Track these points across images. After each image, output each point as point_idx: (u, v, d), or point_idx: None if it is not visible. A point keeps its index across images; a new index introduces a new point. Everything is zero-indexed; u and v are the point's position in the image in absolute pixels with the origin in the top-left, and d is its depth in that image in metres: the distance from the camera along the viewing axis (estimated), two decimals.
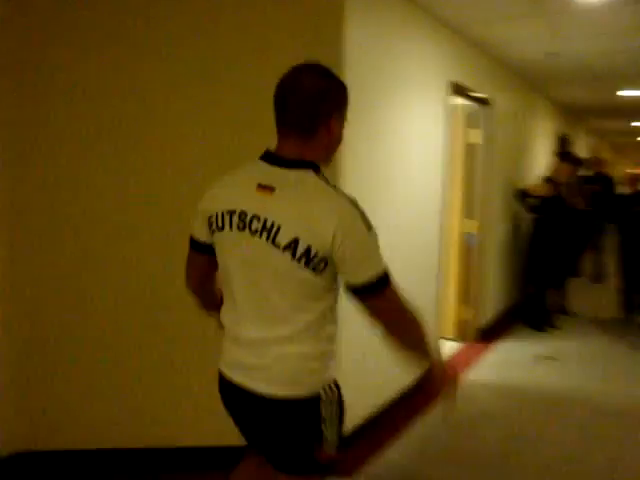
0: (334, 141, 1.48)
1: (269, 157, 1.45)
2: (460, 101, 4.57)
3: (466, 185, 4.84)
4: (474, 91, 4.49)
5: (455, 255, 4.90)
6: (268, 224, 1.37)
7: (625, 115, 9.37)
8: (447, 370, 1.59)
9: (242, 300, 1.47)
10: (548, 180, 5.36)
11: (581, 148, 10.97)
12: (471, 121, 4.79)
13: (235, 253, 1.46)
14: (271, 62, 2.24)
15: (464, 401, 3.81)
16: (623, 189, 6.84)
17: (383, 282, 1.39)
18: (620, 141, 15.81)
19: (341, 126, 1.47)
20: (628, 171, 6.23)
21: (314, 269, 1.37)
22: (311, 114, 1.39)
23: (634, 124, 10.93)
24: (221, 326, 1.60)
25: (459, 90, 4.20)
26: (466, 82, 4.31)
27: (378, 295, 1.40)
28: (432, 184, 3.95)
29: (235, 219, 1.43)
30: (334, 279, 1.44)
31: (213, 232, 1.50)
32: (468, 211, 4.88)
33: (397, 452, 3.08)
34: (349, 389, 2.87)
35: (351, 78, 2.69)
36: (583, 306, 6.18)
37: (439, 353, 1.60)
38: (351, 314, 2.86)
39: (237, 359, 1.52)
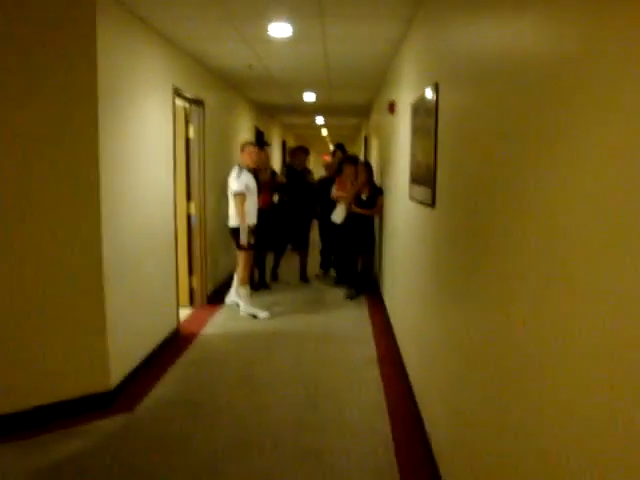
0: None
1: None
2: (181, 102, 5.41)
3: (187, 173, 5.68)
4: (191, 93, 5.37)
5: (183, 233, 5.72)
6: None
7: (309, 112, 11.35)
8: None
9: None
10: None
11: (274, 138, 12.77)
12: (190, 118, 5.66)
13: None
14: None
15: (204, 348, 4.74)
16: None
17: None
18: (307, 133, 18.46)
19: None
20: (325, 158, 7.82)
21: None
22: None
23: (317, 121, 13.18)
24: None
25: (180, 93, 5.04)
26: (185, 86, 5.16)
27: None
28: (165, 173, 4.71)
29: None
30: None
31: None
32: (189, 195, 5.75)
33: (164, 388, 3.88)
34: (122, 336, 3.56)
35: (105, 84, 3.34)
36: (291, 269, 7.60)
37: None
38: (123, 273, 3.54)
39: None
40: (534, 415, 1.44)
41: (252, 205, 5.46)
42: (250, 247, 5.44)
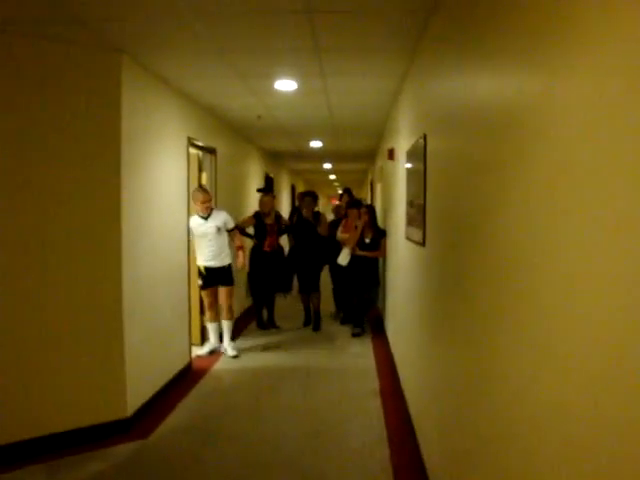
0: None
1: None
2: (194, 151, 5.81)
3: None
4: (204, 142, 5.77)
5: (196, 274, 6.01)
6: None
7: (317, 159, 11.82)
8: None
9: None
10: (256, 214, 6.76)
11: (283, 184, 13.22)
12: (202, 166, 6.05)
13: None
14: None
15: (216, 381, 4.98)
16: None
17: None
18: (315, 178, 18.97)
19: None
20: (335, 203, 8.08)
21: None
22: None
23: (325, 166, 13.65)
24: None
25: (193, 142, 5.43)
26: (198, 135, 5.57)
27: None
28: (180, 217, 5.06)
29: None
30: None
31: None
32: None
33: (177, 417, 4.12)
34: (138, 369, 3.81)
35: (127, 137, 3.71)
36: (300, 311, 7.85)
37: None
38: (140, 311, 3.82)
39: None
40: (508, 443, 1.67)
41: (198, 248, 5.60)
42: (201, 287, 5.74)
